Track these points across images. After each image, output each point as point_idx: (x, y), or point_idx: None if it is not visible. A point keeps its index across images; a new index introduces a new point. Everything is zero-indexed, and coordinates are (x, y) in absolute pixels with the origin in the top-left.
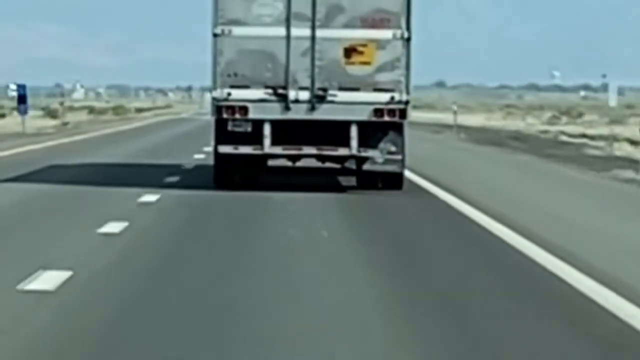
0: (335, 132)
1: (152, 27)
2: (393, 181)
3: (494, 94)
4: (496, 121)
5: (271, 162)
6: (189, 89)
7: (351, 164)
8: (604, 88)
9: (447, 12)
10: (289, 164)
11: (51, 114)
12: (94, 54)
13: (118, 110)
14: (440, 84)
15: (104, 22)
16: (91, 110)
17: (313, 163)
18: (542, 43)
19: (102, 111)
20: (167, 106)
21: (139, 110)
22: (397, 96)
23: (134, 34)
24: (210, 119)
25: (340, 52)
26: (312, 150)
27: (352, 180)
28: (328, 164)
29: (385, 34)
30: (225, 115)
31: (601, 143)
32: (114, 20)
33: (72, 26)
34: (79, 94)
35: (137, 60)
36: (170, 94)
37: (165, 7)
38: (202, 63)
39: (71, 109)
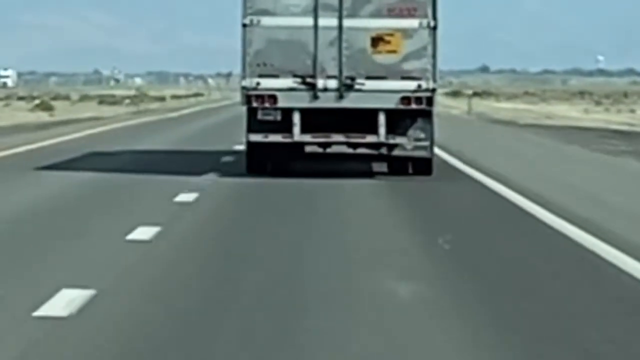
0: (363, 119)
1: (194, 14)
2: (423, 167)
3: (537, 79)
4: (597, 114)
5: (308, 149)
6: (229, 75)
7: (382, 150)
8: None
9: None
10: (320, 150)
11: (44, 105)
12: (136, 41)
13: (135, 99)
14: (484, 69)
15: (147, 10)
16: (101, 101)
17: (344, 150)
18: (586, 27)
19: (115, 102)
20: (197, 94)
21: (160, 98)
22: (424, 84)
23: (176, 21)
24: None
25: (368, 41)
26: (340, 137)
27: (384, 166)
28: (361, 150)
29: (412, 23)
30: (254, 104)
31: None
32: (157, 8)
33: (115, 14)
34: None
35: (179, 47)
36: (210, 80)
37: None
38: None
39: (85, 98)
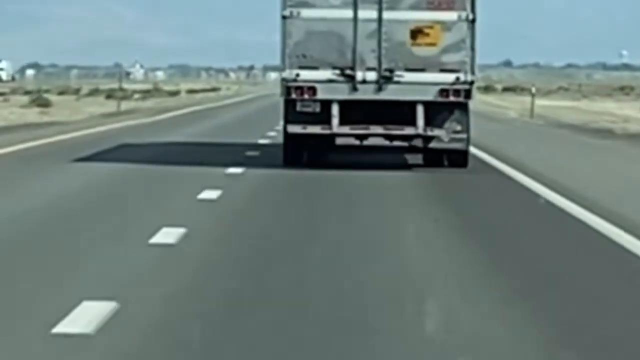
0: (402, 111)
1: (217, 8)
2: (458, 159)
3: (561, 74)
4: None
5: (339, 141)
6: (250, 68)
7: (418, 142)
8: None
9: None
10: (356, 143)
11: (40, 101)
12: (159, 35)
13: (151, 92)
14: (507, 63)
15: (170, 3)
16: (109, 95)
17: (379, 142)
18: (609, 22)
19: (125, 97)
20: (214, 89)
21: (173, 93)
22: (462, 77)
23: (199, 14)
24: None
25: (407, 34)
26: (379, 129)
27: (418, 158)
28: (397, 143)
29: (451, 15)
30: (294, 96)
31: None
32: (180, 1)
33: (137, 7)
34: (138, 74)
35: (202, 41)
36: (232, 74)
37: None
38: (265, 43)
39: (95, 92)
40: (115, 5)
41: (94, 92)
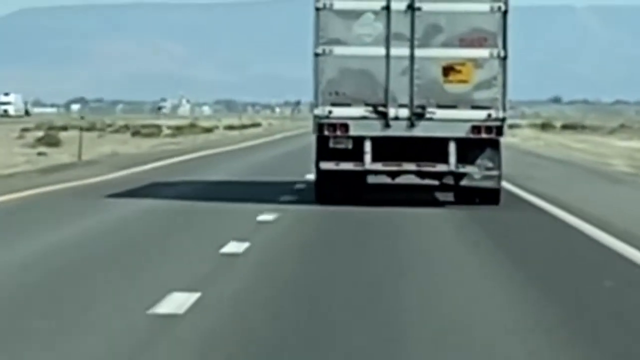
0: (434, 148)
1: (264, 44)
2: (490, 197)
3: (610, 110)
4: None
5: (371, 180)
6: (297, 103)
7: (448, 180)
8: None
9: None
10: (388, 180)
11: (48, 139)
12: (206, 70)
13: (185, 128)
14: (556, 100)
15: (217, 39)
16: (135, 132)
17: (411, 180)
18: None
19: (152, 133)
20: (254, 124)
21: (207, 130)
22: (494, 113)
23: (246, 50)
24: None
25: (439, 71)
26: (411, 166)
27: (449, 196)
28: (426, 181)
29: (483, 53)
30: (326, 133)
31: None
32: (227, 37)
33: (185, 42)
34: (184, 109)
35: (248, 76)
36: (278, 109)
37: (280, 25)
38: (312, 78)
39: (123, 129)
40: (163, 41)
41: (122, 129)
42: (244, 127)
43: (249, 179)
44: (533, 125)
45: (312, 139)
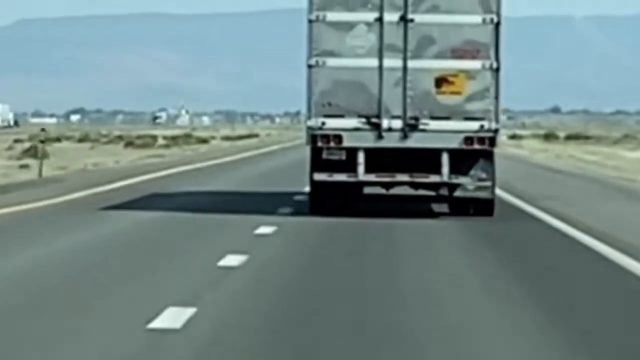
0: (427, 159)
1: (263, 54)
2: (484, 207)
3: (611, 120)
4: None
5: (367, 190)
6: (297, 114)
7: (443, 191)
8: None
9: (561, 42)
10: (383, 191)
11: (34, 152)
12: (205, 81)
13: (180, 139)
14: (556, 110)
15: (216, 49)
16: (128, 143)
17: (407, 191)
18: None
19: (146, 144)
20: (250, 135)
21: (203, 140)
22: (486, 124)
23: (246, 60)
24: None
25: (432, 82)
26: (404, 177)
27: (444, 207)
28: (421, 191)
29: (475, 64)
30: (320, 144)
31: None
32: (226, 48)
33: (184, 53)
34: (183, 119)
35: (248, 86)
36: (278, 119)
37: (280, 35)
38: None
39: (117, 139)
40: (162, 52)
41: (115, 140)
42: (240, 137)
43: (219, 207)
44: (536, 136)
45: (307, 150)
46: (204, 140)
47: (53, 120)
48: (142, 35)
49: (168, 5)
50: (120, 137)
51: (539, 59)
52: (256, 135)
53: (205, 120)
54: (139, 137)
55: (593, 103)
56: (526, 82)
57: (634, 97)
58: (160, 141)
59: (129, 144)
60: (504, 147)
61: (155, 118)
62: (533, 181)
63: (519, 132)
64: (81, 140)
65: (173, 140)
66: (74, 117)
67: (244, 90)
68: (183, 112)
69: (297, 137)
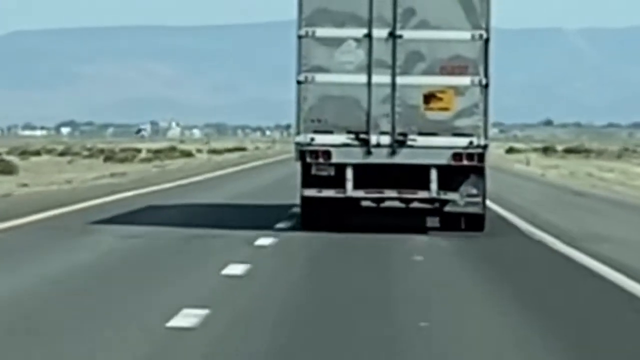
0: (415, 175)
1: (254, 67)
2: (474, 222)
3: (603, 133)
4: None
5: (365, 203)
6: (287, 127)
7: (436, 205)
8: None
9: (552, 55)
10: (374, 205)
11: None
12: (196, 93)
13: (164, 152)
14: (548, 123)
15: (207, 62)
16: (108, 157)
17: (397, 204)
18: None
19: (125, 158)
20: (238, 148)
21: (187, 154)
22: (475, 141)
23: (236, 73)
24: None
25: (420, 98)
26: (393, 193)
27: (436, 221)
28: (414, 205)
29: (464, 80)
30: (309, 160)
31: None
32: (217, 60)
33: (174, 66)
34: (174, 132)
35: (238, 99)
36: (268, 132)
37: (271, 48)
38: None
39: (97, 153)
40: (154, 64)
41: (96, 154)
42: (229, 150)
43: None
44: (535, 150)
45: (294, 166)
46: (188, 154)
47: (43, 132)
48: (134, 47)
49: (160, 17)
50: (102, 151)
51: (530, 71)
52: (244, 149)
53: (196, 132)
54: (122, 150)
55: (585, 116)
56: (518, 95)
57: (626, 110)
58: (143, 154)
59: (109, 158)
60: (509, 163)
61: (139, 131)
62: (564, 211)
63: (516, 145)
64: (62, 154)
65: (156, 153)
66: (65, 130)
67: (235, 103)
68: (174, 124)
69: (285, 150)
